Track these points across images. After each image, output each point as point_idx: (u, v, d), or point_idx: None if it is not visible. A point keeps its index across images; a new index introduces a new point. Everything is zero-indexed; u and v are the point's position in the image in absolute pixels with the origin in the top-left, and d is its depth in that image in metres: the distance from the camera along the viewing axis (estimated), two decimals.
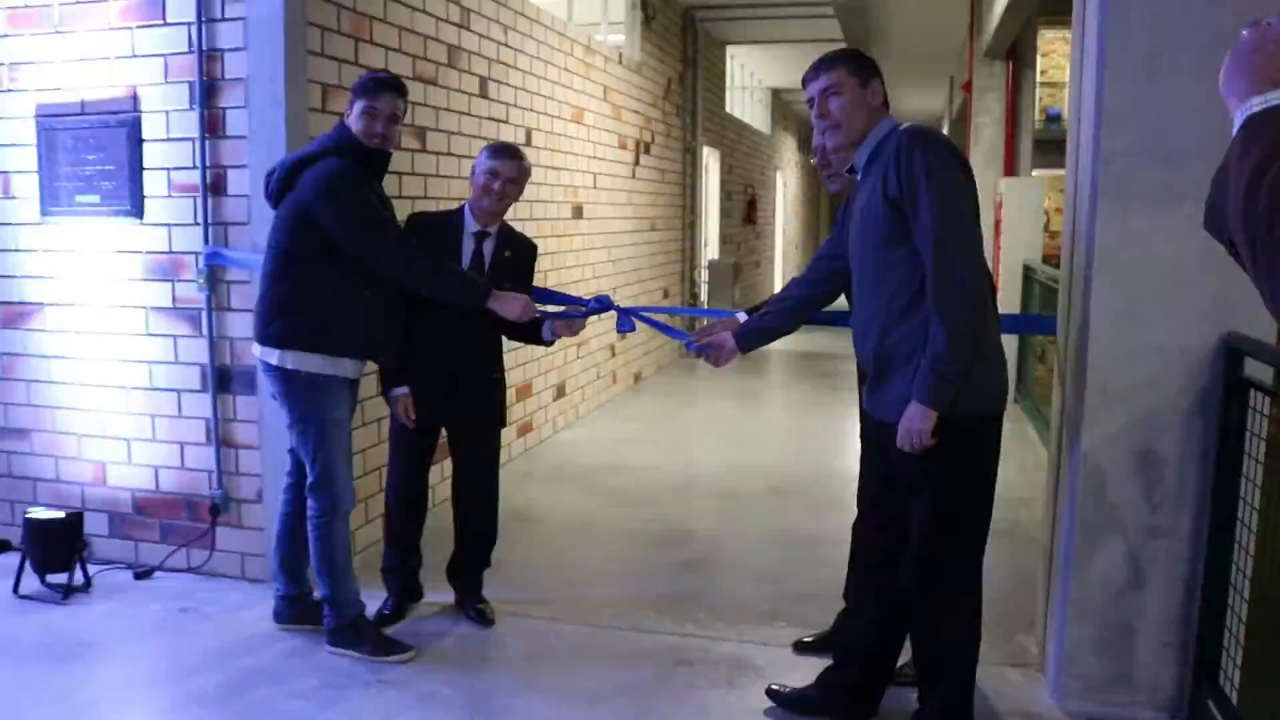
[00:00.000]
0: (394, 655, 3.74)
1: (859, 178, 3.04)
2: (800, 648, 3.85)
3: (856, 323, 3.07)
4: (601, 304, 4.02)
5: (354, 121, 3.63)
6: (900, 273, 2.86)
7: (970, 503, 2.99)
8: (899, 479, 3.00)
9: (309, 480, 3.73)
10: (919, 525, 2.96)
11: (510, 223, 6.70)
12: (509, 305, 3.71)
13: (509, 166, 3.91)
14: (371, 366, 3.96)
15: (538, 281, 7.06)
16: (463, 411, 4.01)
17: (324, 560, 3.77)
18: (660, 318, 4.99)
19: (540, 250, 7.04)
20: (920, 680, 3.14)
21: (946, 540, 2.96)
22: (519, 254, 4.06)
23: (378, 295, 3.65)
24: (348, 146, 3.61)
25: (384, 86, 3.65)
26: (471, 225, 3.94)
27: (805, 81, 3.04)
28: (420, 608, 4.22)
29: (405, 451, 4.07)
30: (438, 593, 4.24)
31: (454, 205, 5.76)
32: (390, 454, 4.15)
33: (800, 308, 3.49)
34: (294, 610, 4.01)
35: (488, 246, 3.95)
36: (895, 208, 2.81)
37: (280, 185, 3.63)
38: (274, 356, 3.62)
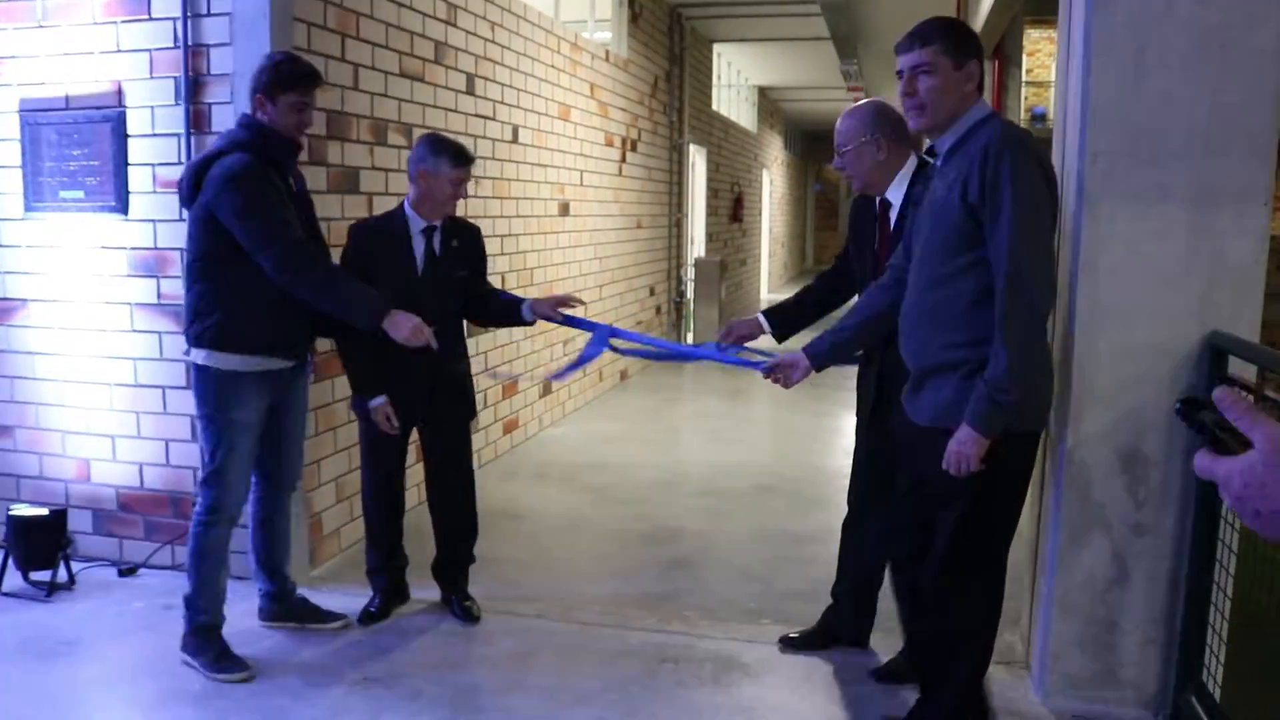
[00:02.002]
0: (227, 674, 3.58)
1: (938, 163, 2.88)
2: (787, 644, 3.86)
3: (905, 319, 2.94)
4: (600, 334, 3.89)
5: (279, 115, 3.50)
6: (963, 280, 2.73)
7: (1002, 515, 2.91)
8: (932, 486, 2.91)
9: (200, 475, 3.65)
10: (946, 531, 2.89)
11: (496, 220, 6.71)
12: (400, 326, 3.53)
13: (468, 173, 3.91)
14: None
15: (524, 279, 7.10)
16: (437, 408, 3.99)
17: (192, 560, 3.65)
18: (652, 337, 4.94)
19: (527, 248, 7.13)
20: (922, 681, 3.10)
21: (973, 549, 2.89)
22: (466, 240, 4.03)
23: (286, 294, 3.52)
24: (255, 142, 3.49)
25: (316, 80, 3.56)
26: (418, 222, 3.90)
27: (898, 50, 2.81)
28: (406, 605, 4.20)
29: (382, 456, 4.04)
30: (423, 590, 4.23)
31: None
32: (363, 460, 4.12)
33: (883, 319, 3.19)
34: (278, 607, 3.99)
35: (436, 240, 3.93)
36: (972, 214, 2.67)
37: (191, 187, 3.51)
38: (191, 353, 3.60)
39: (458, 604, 4.13)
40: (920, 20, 2.82)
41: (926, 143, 3.06)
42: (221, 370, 3.55)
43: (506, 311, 4.07)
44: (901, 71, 2.80)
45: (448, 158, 3.83)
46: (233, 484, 3.62)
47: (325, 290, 3.51)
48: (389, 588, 4.16)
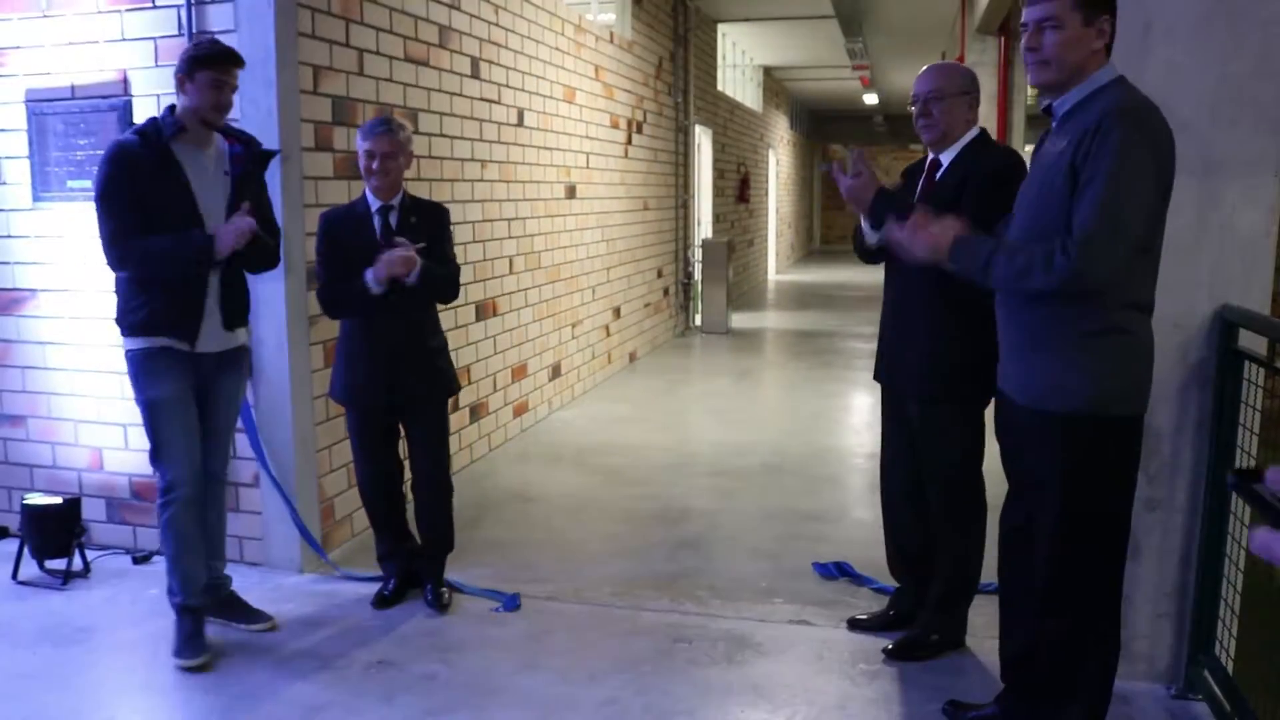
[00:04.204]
0: (182, 659, 3.61)
1: (1054, 125, 2.74)
2: (854, 625, 3.86)
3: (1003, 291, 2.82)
4: None
5: (198, 93, 3.51)
6: None
7: (1104, 505, 2.74)
8: (1026, 472, 2.83)
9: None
10: (1048, 530, 2.76)
11: (503, 203, 6.70)
12: (224, 239, 3.53)
13: (380, 142, 3.87)
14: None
15: (531, 262, 7.10)
16: (410, 386, 3.98)
17: (160, 542, 3.76)
18: None
19: (534, 231, 7.13)
20: (1046, 697, 2.93)
21: (1080, 548, 2.74)
22: (425, 219, 4.01)
23: (168, 279, 3.58)
24: (148, 129, 3.54)
25: (233, 59, 3.56)
26: (374, 203, 3.95)
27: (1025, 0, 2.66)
28: (419, 588, 4.21)
29: (370, 443, 4.07)
30: None
31: (445, 186, 5.77)
32: (353, 448, 4.14)
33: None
34: (207, 599, 3.90)
35: (393, 218, 3.95)
36: (1076, 180, 2.55)
37: None
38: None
39: (431, 591, 4.10)
40: None
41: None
42: (133, 351, 3.63)
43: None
44: (1025, 25, 2.65)
45: (360, 133, 3.91)
46: (173, 461, 3.64)
47: (146, 261, 3.54)
48: (401, 571, 4.17)
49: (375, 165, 3.87)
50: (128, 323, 3.61)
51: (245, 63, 3.62)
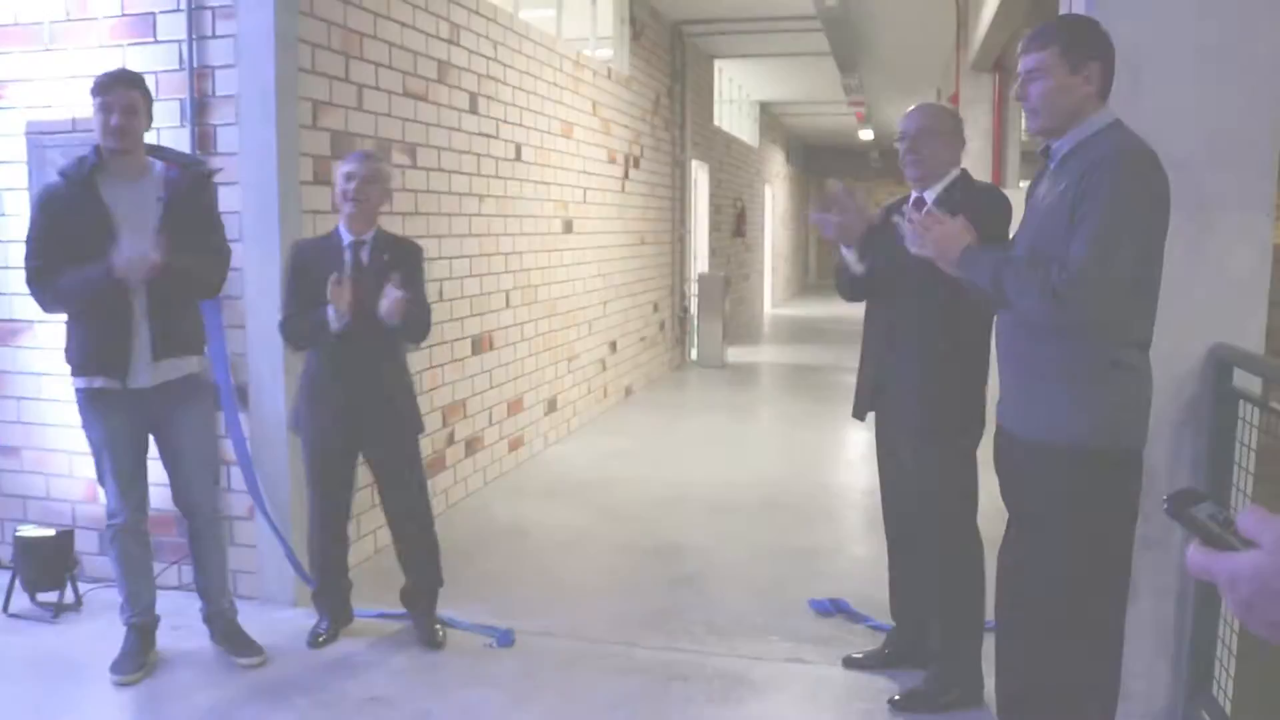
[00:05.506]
0: (112, 673, 3.71)
1: (1050, 166, 2.77)
2: (849, 664, 3.84)
3: (1010, 326, 2.84)
4: None
5: (95, 122, 3.57)
6: None
7: (1106, 543, 2.72)
8: (1027, 507, 2.81)
9: None
10: (1049, 565, 2.73)
11: (500, 238, 6.72)
12: (117, 264, 3.45)
13: (360, 166, 3.85)
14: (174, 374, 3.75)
15: (528, 297, 7.11)
16: (371, 427, 3.94)
17: (110, 564, 3.88)
18: None
19: (530, 265, 7.14)
20: None
21: (1081, 584, 2.71)
22: (398, 256, 3.94)
23: (91, 314, 3.60)
24: (70, 166, 3.61)
25: (112, 82, 3.56)
26: (347, 237, 3.90)
27: (1020, 51, 2.72)
28: (411, 623, 4.18)
29: (323, 478, 4.01)
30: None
31: (443, 220, 5.79)
32: (307, 482, 4.08)
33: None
34: (209, 629, 3.97)
35: (364, 254, 3.90)
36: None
37: None
38: None
39: (423, 630, 4.08)
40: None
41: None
42: (76, 390, 3.71)
43: None
44: (1019, 75, 2.72)
45: (341, 162, 3.94)
46: (111, 493, 3.76)
47: (58, 300, 3.61)
48: (335, 609, 4.13)
49: (352, 188, 3.81)
50: (69, 361, 3.67)
51: (140, 81, 3.62)
